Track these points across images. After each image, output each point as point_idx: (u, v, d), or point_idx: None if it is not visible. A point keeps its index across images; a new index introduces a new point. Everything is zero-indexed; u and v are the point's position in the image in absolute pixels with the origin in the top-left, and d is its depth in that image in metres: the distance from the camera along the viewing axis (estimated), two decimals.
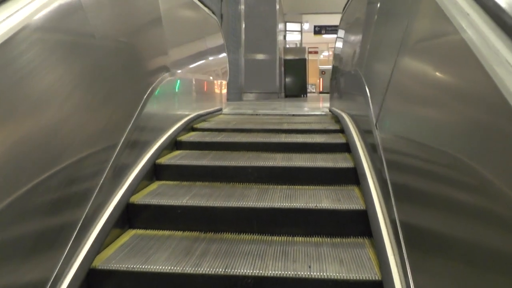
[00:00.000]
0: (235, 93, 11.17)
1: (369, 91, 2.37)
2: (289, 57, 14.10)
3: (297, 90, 14.10)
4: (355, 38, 3.57)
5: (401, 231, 1.40)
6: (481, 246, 0.85)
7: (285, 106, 5.94)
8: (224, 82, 5.36)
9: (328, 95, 16.56)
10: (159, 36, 2.80)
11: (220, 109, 4.65)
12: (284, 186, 2.28)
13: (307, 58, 14.83)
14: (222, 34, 5.43)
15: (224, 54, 5.46)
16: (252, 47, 12.42)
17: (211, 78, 4.40)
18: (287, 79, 14.08)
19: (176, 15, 3.37)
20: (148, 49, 2.61)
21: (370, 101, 2.27)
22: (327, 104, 7.25)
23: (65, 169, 1.46)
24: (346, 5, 4.38)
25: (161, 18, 2.79)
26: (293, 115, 4.53)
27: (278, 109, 5.60)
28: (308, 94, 14.89)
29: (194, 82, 3.72)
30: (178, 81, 3.16)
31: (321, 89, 18.25)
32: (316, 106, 6.87)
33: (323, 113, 4.58)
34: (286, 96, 14.00)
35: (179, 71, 3.19)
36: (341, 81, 4.07)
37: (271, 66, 12.81)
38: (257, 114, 4.53)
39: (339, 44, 4.64)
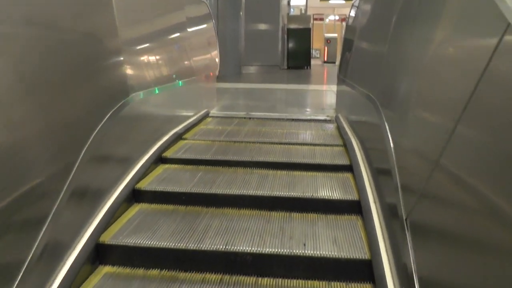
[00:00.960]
0: (233, 67, 10.36)
1: (394, 147, 1.66)
2: (292, 26, 13.12)
3: (301, 62, 13.23)
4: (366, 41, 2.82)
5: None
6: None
7: (286, 105, 5.18)
8: (213, 73, 4.59)
9: (332, 65, 15.76)
10: (111, 37, 2.07)
11: (207, 113, 3.92)
12: None
13: (311, 28, 13.86)
14: (210, 15, 4.60)
15: (214, 40, 4.66)
16: (253, 15, 11.48)
17: (193, 77, 3.63)
18: (290, 50, 13.18)
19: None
20: (92, 62, 1.90)
21: (395, 168, 1.57)
22: (333, 88, 6.51)
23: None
24: None
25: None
26: (293, 119, 3.84)
27: (277, 108, 4.87)
28: (312, 62, 13.94)
29: (169, 92, 2.93)
30: (146, 98, 2.43)
31: (325, 59, 17.33)
32: (319, 101, 6.13)
33: (327, 118, 3.89)
34: (289, 67, 13.14)
35: (145, 84, 2.46)
36: (350, 96, 3.30)
37: (273, 37, 11.91)
38: (250, 118, 3.83)
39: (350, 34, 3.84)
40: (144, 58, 2.59)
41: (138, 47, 2.49)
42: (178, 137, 2.94)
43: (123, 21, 2.17)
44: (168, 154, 2.64)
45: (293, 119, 3.82)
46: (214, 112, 4.14)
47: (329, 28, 21.09)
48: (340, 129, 3.27)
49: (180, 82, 3.19)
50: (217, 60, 4.73)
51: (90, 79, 1.85)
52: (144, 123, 2.50)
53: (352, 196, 2.11)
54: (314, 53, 19.02)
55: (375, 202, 1.91)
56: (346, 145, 2.75)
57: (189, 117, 3.43)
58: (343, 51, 4.20)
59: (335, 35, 17.88)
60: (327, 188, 2.21)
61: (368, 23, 3.04)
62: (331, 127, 3.54)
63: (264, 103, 5.20)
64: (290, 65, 13.16)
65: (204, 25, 4.42)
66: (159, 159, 2.56)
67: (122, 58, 2.14)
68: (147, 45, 2.66)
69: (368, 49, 2.91)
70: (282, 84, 8.52)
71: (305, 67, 13.31)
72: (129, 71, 2.23)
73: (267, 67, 11.62)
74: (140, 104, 2.34)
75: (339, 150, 2.81)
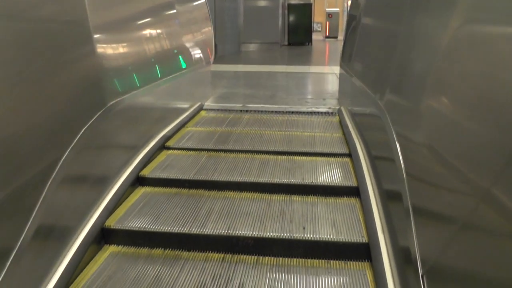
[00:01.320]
0: (232, 45, 10.28)
1: (406, 172, 1.41)
2: (293, 1, 12.97)
3: (301, 38, 13.11)
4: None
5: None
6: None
7: (287, 93, 5.09)
8: (208, 59, 4.46)
9: (333, 40, 15.45)
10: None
11: (201, 107, 3.84)
12: None
13: (313, 3, 13.65)
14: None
15: (207, 21, 4.53)
16: None
17: (183, 71, 3.44)
18: (291, 26, 13.03)
19: None
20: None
21: (410, 208, 1.30)
22: (335, 70, 6.44)
23: None
24: None
25: None
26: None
27: (276, 98, 4.81)
28: (314, 37, 13.75)
29: (154, 92, 2.72)
30: (128, 105, 2.28)
31: (327, 34, 17.12)
32: (320, 89, 6.03)
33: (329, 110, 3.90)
34: (290, 44, 13.02)
35: (127, 88, 2.29)
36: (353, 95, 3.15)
37: (273, 13, 11.74)
38: (247, 111, 3.85)
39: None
40: (134, 75, 2.45)
41: (123, 38, 2.41)
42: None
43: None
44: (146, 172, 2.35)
45: (292, 112, 3.83)
46: (208, 104, 4.12)
47: (331, 1, 20.73)
48: (342, 124, 3.23)
49: (165, 79, 2.95)
50: (211, 44, 4.59)
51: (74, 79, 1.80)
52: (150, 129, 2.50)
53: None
54: (315, 26, 18.79)
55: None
56: (345, 134, 2.80)
57: (184, 110, 3.37)
58: (346, 33, 4.03)
59: (337, 9, 17.61)
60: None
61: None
62: (333, 120, 3.52)
63: (263, 91, 5.16)
64: (290, 41, 13.04)
65: (197, 2, 4.29)
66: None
67: (96, 49, 1.98)
68: (132, 35, 2.56)
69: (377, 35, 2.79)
70: (281, 65, 8.43)
71: (306, 43, 13.18)
72: (107, 62, 2.12)
73: (267, 45, 11.50)
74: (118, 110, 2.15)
75: (338, 137, 2.87)
